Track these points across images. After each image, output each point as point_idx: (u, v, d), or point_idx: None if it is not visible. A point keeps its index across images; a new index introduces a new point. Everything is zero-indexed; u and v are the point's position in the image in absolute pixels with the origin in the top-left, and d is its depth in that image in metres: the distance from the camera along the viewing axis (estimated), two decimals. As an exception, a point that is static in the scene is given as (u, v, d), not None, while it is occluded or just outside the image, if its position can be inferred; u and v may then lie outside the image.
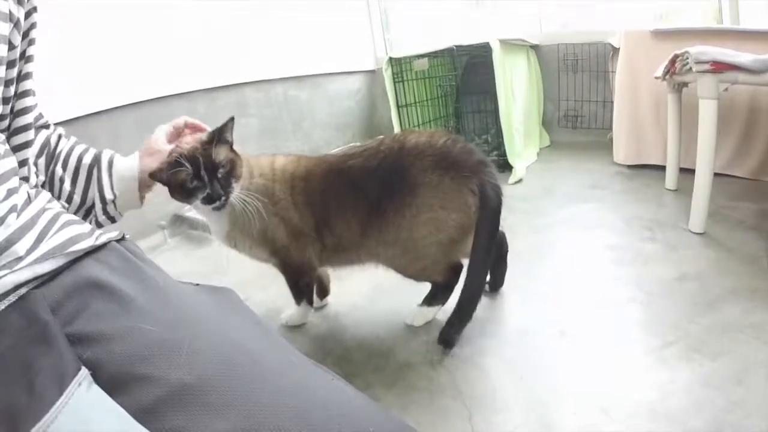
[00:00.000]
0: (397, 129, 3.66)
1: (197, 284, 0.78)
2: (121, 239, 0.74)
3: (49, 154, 1.04)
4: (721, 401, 1.18)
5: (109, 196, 1.11)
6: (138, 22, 2.91)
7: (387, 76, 3.58)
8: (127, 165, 1.18)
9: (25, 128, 0.83)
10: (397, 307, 1.82)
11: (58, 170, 1.05)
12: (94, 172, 1.11)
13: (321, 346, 1.66)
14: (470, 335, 1.58)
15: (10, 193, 0.62)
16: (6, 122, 0.80)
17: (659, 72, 2.38)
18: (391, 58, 3.55)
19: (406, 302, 1.84)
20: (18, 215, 0.62)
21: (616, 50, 3.26)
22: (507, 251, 1.81)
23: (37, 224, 0.64)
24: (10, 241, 0.58)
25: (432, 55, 3.53)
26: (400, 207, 1.49)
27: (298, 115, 4.07)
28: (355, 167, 1.54)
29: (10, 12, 0.69)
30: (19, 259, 0.58)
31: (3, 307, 0.55)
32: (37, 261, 0.59)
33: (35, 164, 0.98)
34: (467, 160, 1.49)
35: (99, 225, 1.12)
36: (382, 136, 1.61)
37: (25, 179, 0.78)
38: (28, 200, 0.68)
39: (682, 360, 1.34)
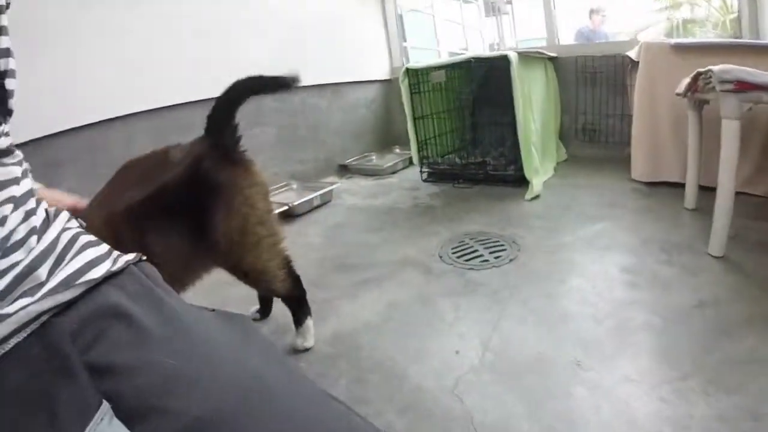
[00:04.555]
0: (413, 140, 3.66)
1: (213, 309, 0.78)
2: (138, 261, 0.74)
3: None
4: (739, 439, 1.17)
5: None
6: (154, 29, 2.96)
7: (404, 86, 3.58)
8: None
9: None
10: (411, 327, 1.82)
11: None
12: None
13: (333, 367, 1.66)
14: (486, 360, 1.57)
15: (29, 215, 0.62)
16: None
17: (680, 89, 2.35)
18: (408, 69, 3.55)
19: (420, 321, 1.84)
20: (39, 238, 0.62)
21: (634, 63, 3.21)
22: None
23: (56, 248, 0.64)
24: (33, 267, 0.58)
25: (449, 67, 3.52)
26: (213, 212, 1.49)
27: (314, 123, 4.10)
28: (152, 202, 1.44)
29: None
30: (41, 284, 0.58)
31: (25, 335, 0.55)
32: (58, 289, 0.59)
33: None
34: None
35: None
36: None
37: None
38: (47, 220, 0.67)
39: (699, 394, 1.32)
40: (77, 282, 0.61)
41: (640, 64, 3.04)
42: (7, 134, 0.64)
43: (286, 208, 3.17)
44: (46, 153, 2.55)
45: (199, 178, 1.47)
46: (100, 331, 0.58)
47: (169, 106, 3.08)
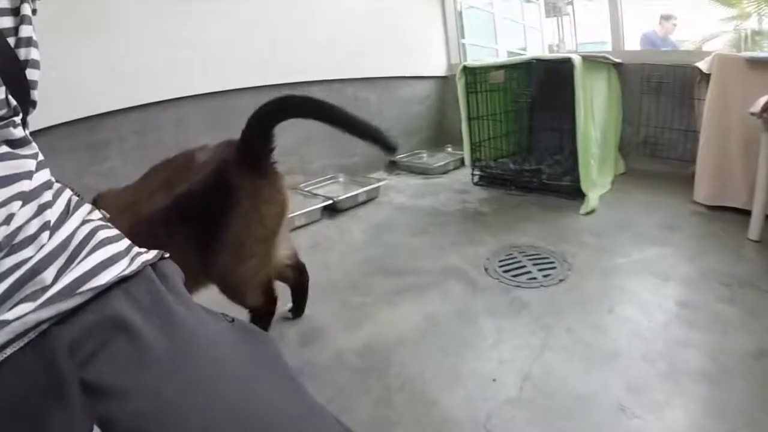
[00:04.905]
0: (466, 141, 3.56)
1: (233, 320, 0.72)
2: (159, 259, 0.70)
3: None
4: None
5: None
6: (208, 15, 2.98)
7: (460, 85, 3.48)
8: None
9: None
10: (448, 345, 1.74)
11: None
12: None
13: (361, 382, 1.60)
14: (524, 393, 1.48)
15: (43, 208, 0.59)
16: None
17: (756, 108, 2.19)
18: (465, 67, 3.44)
19: (459, 340, 1.77)
20: (51, 233, 0.59)
21: (703, 75, 3.02)
22: (308, 280, 1.95)
23: (70, 244, 0.60)
24: (39, 267, 0.55)
25: (509, 67, 3.40)
26: (224, 223, 1.46)
27: (367, 116, 4.02)
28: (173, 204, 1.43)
29: None
30: (45, 288, 0.54)
31: (22, 344, 0.52)
32: (61, 296, 0.55)
33: None
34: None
35: None
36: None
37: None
38: (66, 212, 0.64)
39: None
40: (83, 289, 0.57)
41: (712, 78, 2.85)
42: (20, 125, 0.60)
43: (330, 202, 3.13)
44: (93, 132, 2.56)
45: (218, 189, 1.45)
46: (101, 345, 0.55)
47: (221, 92, 3.08)
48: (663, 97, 3.48)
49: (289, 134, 3.47)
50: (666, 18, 5.18)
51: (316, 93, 3.55)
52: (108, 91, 2.55)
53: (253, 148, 1.49)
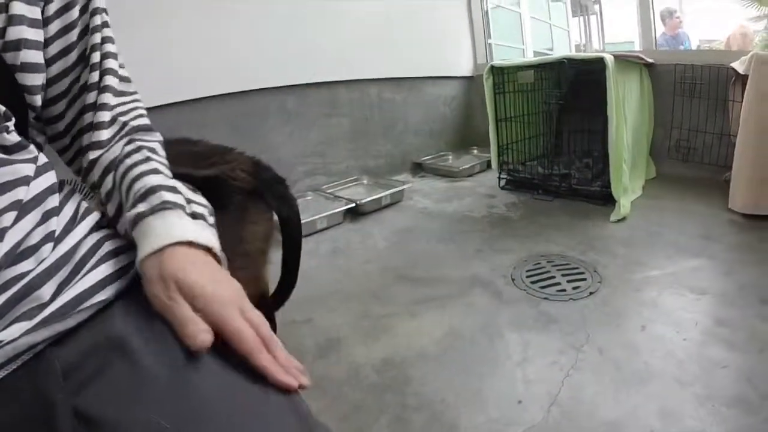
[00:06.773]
0: (493, 143, 3.48)
1: None
2: None
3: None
4: None
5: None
6: (229, 17, 2.96)
7: (487, 85, 3.39)
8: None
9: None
10: (472, 364, 1.67)
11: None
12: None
13: (377, 400, 1.53)
14: (551, 418, 1.40)
15: (47, 216, 0.55)
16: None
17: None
18: (493, 67, 3.36)
19: (483, 356, 1.70)
20: (55, 245, 0.55)
21: (738, 76, 2.90)
22: None
23: (74, 257, 0.56)
24: (36, 284, 0.51)
25: (538, 67, 3.31)
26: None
27: (390, 118, 4.00)
28: None
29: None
30: (42, 306, 0.51)
31: (15, 367, 0.48)
32: (59, 316, 0.51)
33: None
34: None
35: None
36: None
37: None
38: (74, 219, 0.60)
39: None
40: (82, 307, 0.53)
41: (750, 80, 2.71)
42: (14, 130, 0.57)
43: (353, 205, 3.07)
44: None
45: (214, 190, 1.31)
46: (97, 371, 0.50)
47: (242, 92, 3.05)
48: (696, 99, 3.35)
49: (314, 134, 3.48)
50: (669, 15, 5.01)
51: (341, 93, 3.53)
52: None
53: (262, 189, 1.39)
